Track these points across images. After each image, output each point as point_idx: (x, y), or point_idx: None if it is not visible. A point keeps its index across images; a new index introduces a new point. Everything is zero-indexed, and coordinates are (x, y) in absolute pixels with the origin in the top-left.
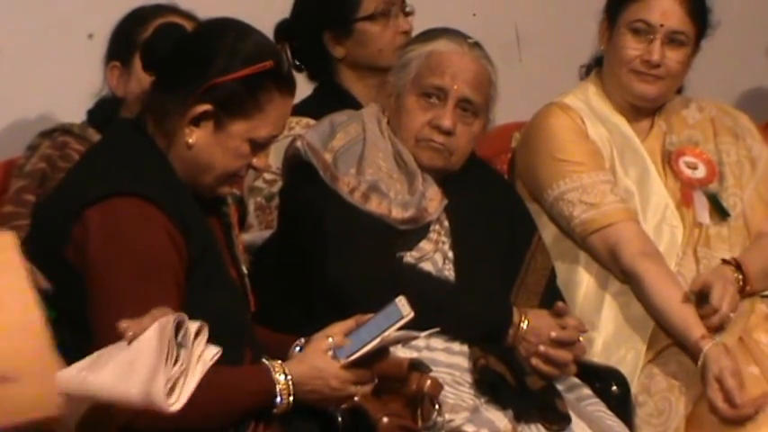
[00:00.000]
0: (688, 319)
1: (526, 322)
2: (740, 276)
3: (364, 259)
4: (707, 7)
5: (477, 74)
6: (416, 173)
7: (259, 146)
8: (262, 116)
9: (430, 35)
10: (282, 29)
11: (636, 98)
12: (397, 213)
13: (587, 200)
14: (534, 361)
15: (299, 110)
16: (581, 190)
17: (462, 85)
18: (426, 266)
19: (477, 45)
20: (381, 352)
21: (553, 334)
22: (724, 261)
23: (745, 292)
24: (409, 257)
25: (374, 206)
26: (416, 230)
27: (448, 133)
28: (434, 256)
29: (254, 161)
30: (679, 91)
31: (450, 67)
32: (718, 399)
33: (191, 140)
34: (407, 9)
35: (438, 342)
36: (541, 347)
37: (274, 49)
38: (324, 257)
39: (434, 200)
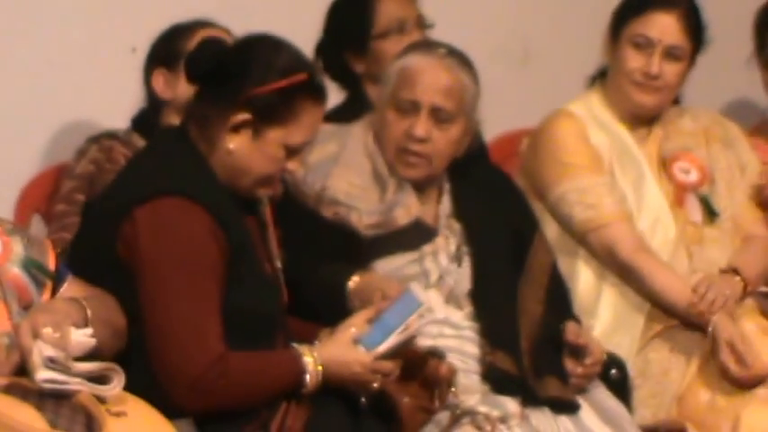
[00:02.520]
0: (691, 298)
1: None
2: (741, 282)
3: (319, 262)
4: (703, 24)
5: (447, 82)
6: (387, 184)
7: (293, 151)
8: (296, 124)
9: (406, 50)
10: (316, 46)
11: (635, 107)
12: (361, 221)
13: (586, 201)
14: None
15: (331, 117)
16: (581, 191)
17: (432, 95)
18: (425, 264)
19: (449, 54)
20: (406, 343)
21: (579, 370)
22: (722, 270)
23: (745, 294)
24: (406, 257)
25: (331, 215)
26: (418, 233)
27: (422, 141)
28: (438, 255)
29: (289, 165)
30: (675, 101)
31: (421, 80)
32: (731, 361)
33: (231, 146)
34: (427, 23)
35: (450, 330)
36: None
37: (307, 62)
38: (291, 259)
39: (410, 207)
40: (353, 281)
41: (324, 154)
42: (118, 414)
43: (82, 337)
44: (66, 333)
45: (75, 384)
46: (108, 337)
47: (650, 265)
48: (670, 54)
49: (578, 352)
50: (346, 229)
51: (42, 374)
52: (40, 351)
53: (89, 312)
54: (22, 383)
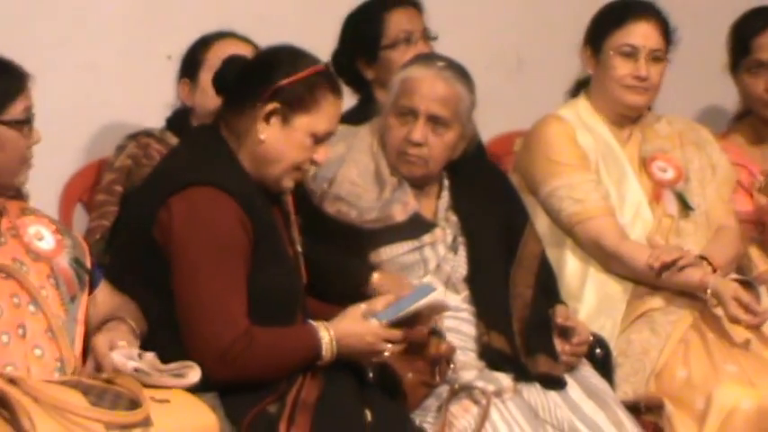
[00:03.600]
0: (681, 275)
1: None
2: (710, 267)
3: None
4: (673, 26)
5: (444, 92)
6: (386, 183)
7: (319, 139)
8: (319, 111)
9: (409, 62)
10: (332, 54)
11: (627, 108)
12: (360, 217)
13: (575, 196)
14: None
15: (344, 119)
16: (569, 187)
17: (429, 104)
18: (425, 253)
19: (448, 67)
20: (414, 319)
21: (567, 348)
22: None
23: None
24: (407, 245)
25: (334, 212)
26: (418, 225)
27: (418, 145)
28: (437, 245)
29: (315, 156)
30: (649, 108)
31: (420, 89)
32: (741, 312)
33: (262, 137)
34: (431, 36)
35: (449, 313)
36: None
37: (321, 60)
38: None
39: (407, 204)
40: (376, 276)
41: (333, 154)
42: (161, 401)
43: (150, 357)
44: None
45: (159, 376)
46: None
47: (632, 250)
48: (653, 57)
49: (567, 333)
50: (348, 223)
51: (131, 363)
52: (124, 364)
53: (135, 328)
54: (71, 380)
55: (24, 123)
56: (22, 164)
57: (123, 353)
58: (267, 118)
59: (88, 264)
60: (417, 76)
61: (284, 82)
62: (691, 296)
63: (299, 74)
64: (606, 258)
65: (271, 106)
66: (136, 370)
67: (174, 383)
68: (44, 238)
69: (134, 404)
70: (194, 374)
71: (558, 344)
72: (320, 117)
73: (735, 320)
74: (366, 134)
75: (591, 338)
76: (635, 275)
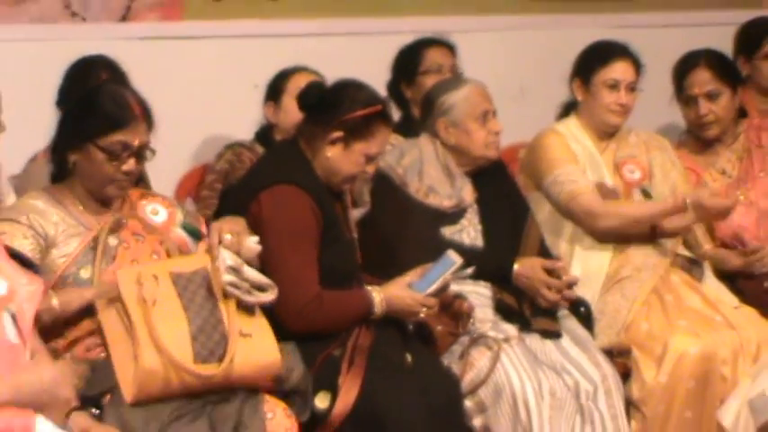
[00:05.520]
0: (659, 204)
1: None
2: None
3: (418, 232)
4: (642, 63)
5: (490, 96)
6: (456, 177)
7: (370, 159)
8: (373, 140)
9: (453, 86)
10: (388, 81)
11: (610, 127)
12: (445, 202)
13: (570, 179)
14: (539, 300)
15: (394, 129)
16: (566, 173)
17: (491, 105)
18: (462, 235)
19: (479, 82)
20: (444, 288)
21: (543, 283)
22: None
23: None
24: (452, 229)
25: (430, 199)
26: (458, 213)
27: (497, 133)
28: (468, 228)
29: (367, 168)
30: None
31: (482, 97)
32: (722, 204)
33: (329, 155)
34: (458, 70)
35: (470, 280)
36: (543, 291)
37: (381, 97)
38: (395, 230)
39: (468, 193)
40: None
41: (412, 157)
42: (245, 335)
43: (252, 244)
44: (242, 239)
45: (245, 293)
46: None
47: (622, 205)
48: (630, 88)
49: (556, 274)
50: (431, 207)
51: (226, 278)
52: (224, 259)
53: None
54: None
55: (115, 153)
56: (110, 183)
57: (228, 259)
58: (333, 142)
59: (202, 228)
60: (475, 90)
61: (348, 116)
62: (653, 268)
63: (361, 111)
64: (597, 221)
65: (336, 134)
66: (229, 284)
67: (250, 300)
68: (159, 213)
69: (224, 338)
70: (271, 295)
71: (552, 295)
72: (373, 143)
73: (721, 210)
74: (426, 143)
75: (577, 277)
76: (626, 223)
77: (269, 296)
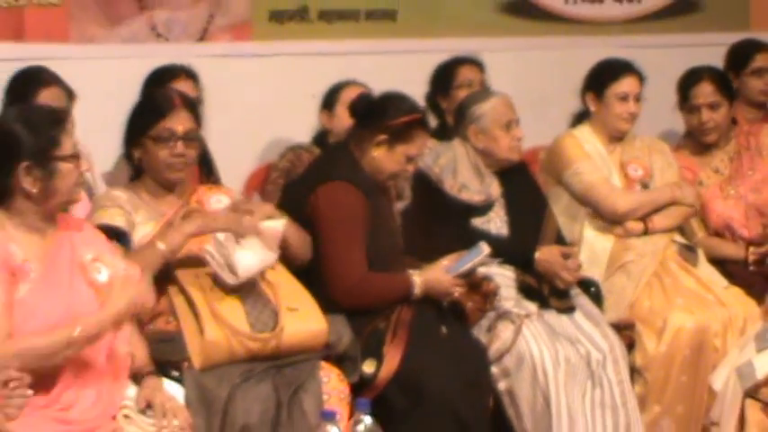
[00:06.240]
0: (665, 192)
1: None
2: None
3: (452, 222)
4: (645, 76)
5: (514, 106)
6: (485, 175)
7: (411, 159)
8: (413, 143)
9: (482, 98)
10: (426, 94)
11: (619, 133)
12: (475, 197)
13: (587, 171)
14: (557, 282)
15: (432, 134)
16: (583, 167)
17: (514, 114)
18: (490, 225)
19: (505, 94)
20: (472, 271)
21: (562, 267)
22: None
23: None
24: (481, 220)
25: (462, 195)
26: (487, 206)
27: (519, 139)
28: (495, 219)
29: (408, 167)
30: None
31: (507, 108)
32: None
33: (375, 155)
34: (486, 86)
35: (496, 265)
36: (562, 274)
37: (419, 106)
38: (432, 221)
39: (495, 189)
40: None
41: (447, 159)
42: (292, 309)
43: (272, 226)
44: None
45: (217, 266)
46: (300, 244)
47: (636, 192)
48: (637, 98)
49: (572, 257)
50: (463, 201)
51: (207, 247)
52: (217, 235)
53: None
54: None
55: (163, 138)
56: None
57: (220, 235)
58: (378, 144)
59: None
60: (501, 100)
61: (392, 122)
62: (653, 254)
63: (402, 118)
64: (617, 204)
65: (381, 137)
66: (207, 252)
67: (219, 273)
68: (221, 201)
69: (275, 314)
70: (234, 278)
71: (566, 274)
72: (413, 146)
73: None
74: (459, 146)
75: (582, 265)
76: (640, 203)
77: (231, 278)
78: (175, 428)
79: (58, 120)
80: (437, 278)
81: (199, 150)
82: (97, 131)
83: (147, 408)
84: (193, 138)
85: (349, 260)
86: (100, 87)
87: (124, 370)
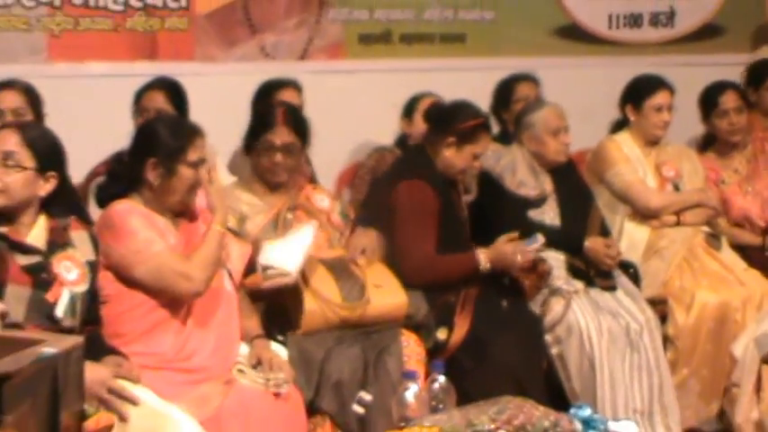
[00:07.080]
0: (693, 195)
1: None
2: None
3: (511, 214)
4: (675, 90)
5: (564, 115)
6: (539, 173)
7: (476, 157)
8: (478, 143)
9: (536, 107)
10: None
11: (656, 138)
12: (531, 192)
13: (626, 172)
14: (602, 266)
15: (494, 139)
16: (623, 168)
17: (564, 122)
18: (544, 217)
19: (556, 104)
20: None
21: (605, 255)
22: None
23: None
24: (536, 213)
25: (520, 190)
26: (541, 200)
27: (567, 144)
28: (549, 212)
29: (474, 164)
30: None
31: (557, 116)
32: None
33: (446, 154)
34: (541, 97)
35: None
36: (606, 260)
37: (483, 112)
38: (494, 213)
39: (548, 186)
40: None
41: (506, 160)
42: (377, 285)
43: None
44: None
45: (267, 278)
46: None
47: (672, 195)
48: (670, 109)
49: (609, 245)
50: (521, 196)
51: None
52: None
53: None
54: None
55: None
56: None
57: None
58: (449, 145)
59: (351, 215)
60: (550, 111)
61: (459, 126)
62: (683, 241)
63: (468, 122)
64: (651, 201)
65: (450, 139)
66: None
67: (271, 282)
68: (324, 201)
69: (363, 288)
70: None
71: (608, 259)
72: (479, 146)
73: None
74: (516, 149)
75: (621, 252)
76: (671, 202)
77: (289, 278)
78: (281, 380)
79: (192, 133)
80: (501, 250)
81: (297, 160)
82: (218, 133)
83: (257, 364)
84: (290, 149)
85: (418, 245)
86: (219, 97)
87: (236, 325)
